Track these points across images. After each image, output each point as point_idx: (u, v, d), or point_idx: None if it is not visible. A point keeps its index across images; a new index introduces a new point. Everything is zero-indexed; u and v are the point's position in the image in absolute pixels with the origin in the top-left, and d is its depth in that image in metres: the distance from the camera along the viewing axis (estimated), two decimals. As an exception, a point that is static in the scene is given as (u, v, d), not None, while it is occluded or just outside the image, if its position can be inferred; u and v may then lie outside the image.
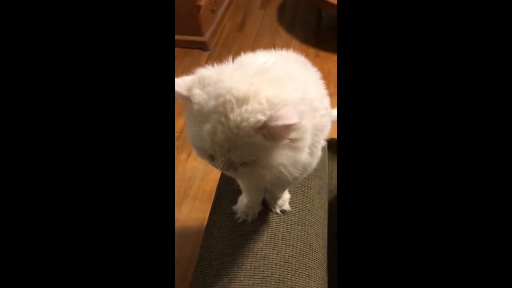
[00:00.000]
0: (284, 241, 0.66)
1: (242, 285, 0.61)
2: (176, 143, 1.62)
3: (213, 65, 0.48)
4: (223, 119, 0.41)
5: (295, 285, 0.61)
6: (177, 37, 1.95)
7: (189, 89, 0.44)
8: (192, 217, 1.39)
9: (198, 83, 0.44)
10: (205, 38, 2.00)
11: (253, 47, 2.07)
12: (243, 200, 0.70)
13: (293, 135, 0.43)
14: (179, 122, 1.67)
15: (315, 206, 0.74)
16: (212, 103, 0.41)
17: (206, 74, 0.45)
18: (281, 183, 0.51)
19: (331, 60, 1.95)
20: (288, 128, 0.41)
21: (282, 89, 0.43)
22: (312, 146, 0.49)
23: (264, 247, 0.65)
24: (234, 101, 0.40)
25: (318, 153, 0.55)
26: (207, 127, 0.42)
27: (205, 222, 0.77)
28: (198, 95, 0.43)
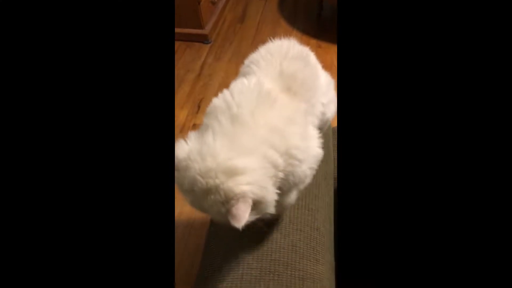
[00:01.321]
0: (291, 225, 0.66)
1: (250, 268, 0.60)
2: (179, 135, 1.61)
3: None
4: (197, 201, 0.50)
5: (303, 268, 0.61)
6: (177, 30, 1.94)
7: (178, 160, 0.50)
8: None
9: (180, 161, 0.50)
10: (206, 30, 1.99)
11: (254, 39, 2.05)
12: None
13: (254, 212, 0.49)
14: (182, 115, 1.67)
15: (322, 191, 0.73)
16: (185, 187, 0.49)
17: (181, 156, 0.50)
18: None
19: (333, 51, 1.93)
20: (242, 218, 0.46)
21: (247, 160, 0.49)
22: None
23: (272, 231, 0.64)
24: (200, 192, 0.48)
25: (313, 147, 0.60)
26: (191, 198, 0.50)
27: (209, 217, 0.77)
28: (176, 177, 0.50)
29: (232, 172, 0.48)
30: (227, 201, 0.47)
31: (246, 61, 0.70)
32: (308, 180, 0.61)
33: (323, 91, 0.71)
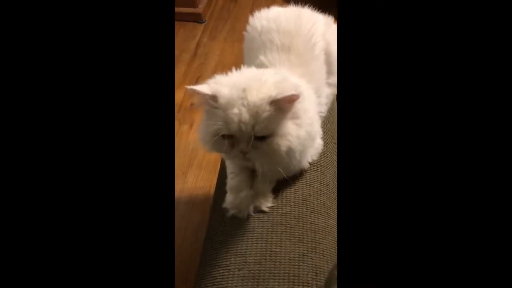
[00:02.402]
0: (301, 180, 0.65)
1: (262, 221, 0.60)
2: (177, 115, 1.59)
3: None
4: (245, 102, 0.53)
5: (314, 222, 0.60)
6: (170, 9, 1.90)
7: (214, 90, 0.55)
8: (198, 185, 1.37)
9: (222, 85, 0.56)
10: (199, 9, 1.95)
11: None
12: (229, 195, 0.64)
13: (294, 108, 0.56)
14: (179, 95, 1.64)
15: (330, 149, 0.72)
16: (235, 93, 0.54)
17: (224, 79, 0.58)
18: (286, 161, 0.59)
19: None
20: (291, 98, 0.54)
21: (284, 79, 0.59)
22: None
23: (281, 186, 0.64)
24: (251, 89, 0.54)
25: (318, 140, 0.68)
26: (234, 111, 0.53)
27: (212, 190, 0.75)
28: (224, 91, 0.55)
29: (280, 78, 0.59)
30: (277, 88, 0.54)
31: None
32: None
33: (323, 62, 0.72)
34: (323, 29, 0.73)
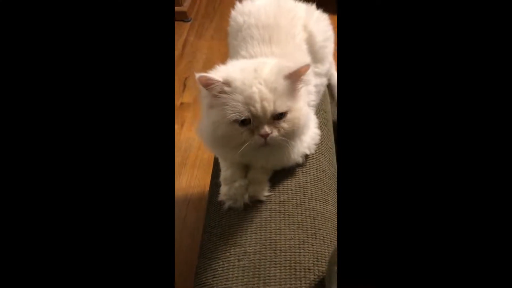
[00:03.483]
0: (298, 168, 0.64)
1: (259, 211, 0.59)
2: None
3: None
4: (261, 80, 0.53)
5: (313, 208, 0.60)
6: (155, 9, 1.88)
7: (225, 75, 0.54)
8: (193, 185, 1.36)
9: (233, 71, 0.56)
10: (184, 7, 1.93)
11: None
12: (223, 186, 0.63)
13: (304, 77, 0.57)
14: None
15: (324, 136, 0.72)
16: (247, 74, 0.54)
17: (225, 67, 0.59)
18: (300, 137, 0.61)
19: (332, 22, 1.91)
20: (304, 69, 0.55)
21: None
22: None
23: (278, 174, 0.63)
24: (261, 68, 0.55)
25: (314, 130, 0.69)
26: (253, 89, 0.53)
27: (207, 189, 0.74)
28: (235, 74, 0.54)
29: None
30: (288, 61, 0.57)
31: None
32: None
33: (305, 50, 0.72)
34: (304, 19, 0.73)
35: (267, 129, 0.53)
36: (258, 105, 0.52)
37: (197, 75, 0.53)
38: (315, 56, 0.73)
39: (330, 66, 0.81)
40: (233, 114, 0.52)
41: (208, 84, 0.53)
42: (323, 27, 0.75)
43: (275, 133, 0.54)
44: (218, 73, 0.55)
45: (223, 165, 0.64)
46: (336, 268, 0.41)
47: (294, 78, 0.55)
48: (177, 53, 1.84)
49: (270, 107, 0.53)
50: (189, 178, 1.39)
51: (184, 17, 1.94)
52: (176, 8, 1.92)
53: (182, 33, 1.93)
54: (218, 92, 0.54)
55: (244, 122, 0.53)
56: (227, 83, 0.53)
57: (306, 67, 0.55)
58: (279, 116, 0.54)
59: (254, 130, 0.54)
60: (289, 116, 0.55)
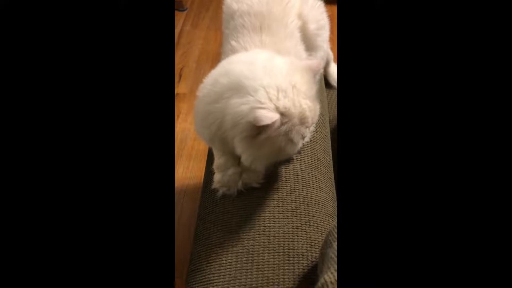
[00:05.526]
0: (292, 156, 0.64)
1: (253, 198, 0.59)
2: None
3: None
4: (303, 95, 0.52)
5: (306, 195, 0.60)
6: (150, -1, 1.85)
7: (281, 110, 0.50)
8: (189, 176, 1.36)
9: (277, 95, 0.51)
10: (180, -3, 1.91)
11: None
12: (217, 173, 0.63)
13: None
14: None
15: (319, 124, 0.72)
16: (289, 92, 0.51)
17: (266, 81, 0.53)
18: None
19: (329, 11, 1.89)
20: (318, 64, 0.59)
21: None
22: None
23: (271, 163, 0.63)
24: (294, 78, 0.53)
25: None
26: (303, 107, 0.51)
27: (202, 180, 0.74)
28: (287, 104, 0.50)
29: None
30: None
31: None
32: None
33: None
34: (299, 6, 0.71)
35: (309, 128, 0.55)
36: (309, 120, 0.53)
37: (258, 123, 0.47)
38: (309, 44, 0.72)
39: (324, 54, 0.81)
40: (299, 139, 0.53)
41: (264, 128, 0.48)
42: (317, 15, 0.74)
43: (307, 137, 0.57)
44: (269, 109, 0.49)
45: (216, 152, 0.63)
46: (328, 250, 0.42)
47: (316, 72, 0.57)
48: (172, 43, 1.82)
49: (316, 118, 0.55)
50: (185, 169, 1.39)
51: (179, 6, 1.92)
52: (172, -2, 1.90)
53: (177, 22, 1.91)
54: (276, 129, 0.49)
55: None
56: (283, 116, 0.50)
57: (319, 62, 0.57)
58: None
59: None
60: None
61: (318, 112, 0.56)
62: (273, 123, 0.47)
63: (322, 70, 0.81)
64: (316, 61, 0.55)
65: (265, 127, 0.48)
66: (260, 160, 0.55)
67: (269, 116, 0.47)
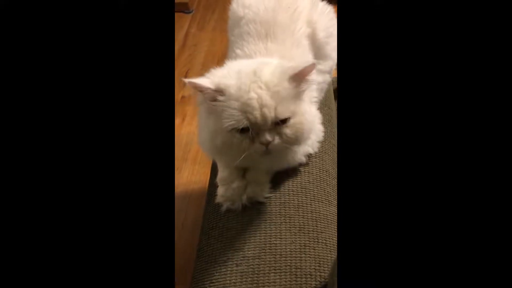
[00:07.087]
0: (300, 168, 0.61)
1: (259, 213, 0.56)
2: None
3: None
4: (261, 84, 0.49)
5: (315, 210, 0.57)
6: None
7: (217, 83, 0.50)
8: (194, 180, 1.34)
9: (228, 75, 0.51)
10: (186, -1, 1.89)
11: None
12: (220, 187, 0.60)
13: (308, 78, 0.52)
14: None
15: (327, 133, 0.69)
16: (245, 78, 0.50)
17: (221, 71, 0.54)
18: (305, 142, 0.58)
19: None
20: (309, 69, 0.51)
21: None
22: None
23: (279, 174, 0.60)
24: (262, 70, 0.51)
25: (318, 126, 0.65)
26: (251, 95, 0.48)
27: (207, 184, 0.72)
28: (229, 80, 0.50)
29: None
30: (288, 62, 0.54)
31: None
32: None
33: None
34: (308, 12, 0.68)
35: (268, 136, 0.49)
36: (257, 113, 0.48)
37: (186, 80, 0.48)
38: (317, 52, 0.69)
39: (333, 64, 0.77)
40: (230, 123, 0.49)
41: (196, 92, 0.50)
42: (326, 22, 0.70)
43: (277, 140, 0.50)
44: (212, 78, 0.51)
45: (220, 165, 0.61)
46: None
47: (299, 79, 0.51)
48: (178, 45, 1.80)
49: (271, 114, 0.48)
50: (190, 173, 1.37)
51: (185, 8, 1.90)
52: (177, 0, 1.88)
53: (183, 25, 1.89)
54: (211, 100, 0.50)
55: (243, 130, 0.49)
56: (219, 90, 0.49)
57: (311, 66, 0.50)
58: (282, 121, 0.50)
59: (254, 138, 0.50)
60: (292, 121, 0.51)
61: (277, 114, 0.49)
62: (200, 86, 0.49)
63: (330, 79, 0.78)
64: (309, 65, 0.50)
65: (198, 89, 0.50)
66: (214, 140, 0.52)
67: (199, 82, 0.50)
